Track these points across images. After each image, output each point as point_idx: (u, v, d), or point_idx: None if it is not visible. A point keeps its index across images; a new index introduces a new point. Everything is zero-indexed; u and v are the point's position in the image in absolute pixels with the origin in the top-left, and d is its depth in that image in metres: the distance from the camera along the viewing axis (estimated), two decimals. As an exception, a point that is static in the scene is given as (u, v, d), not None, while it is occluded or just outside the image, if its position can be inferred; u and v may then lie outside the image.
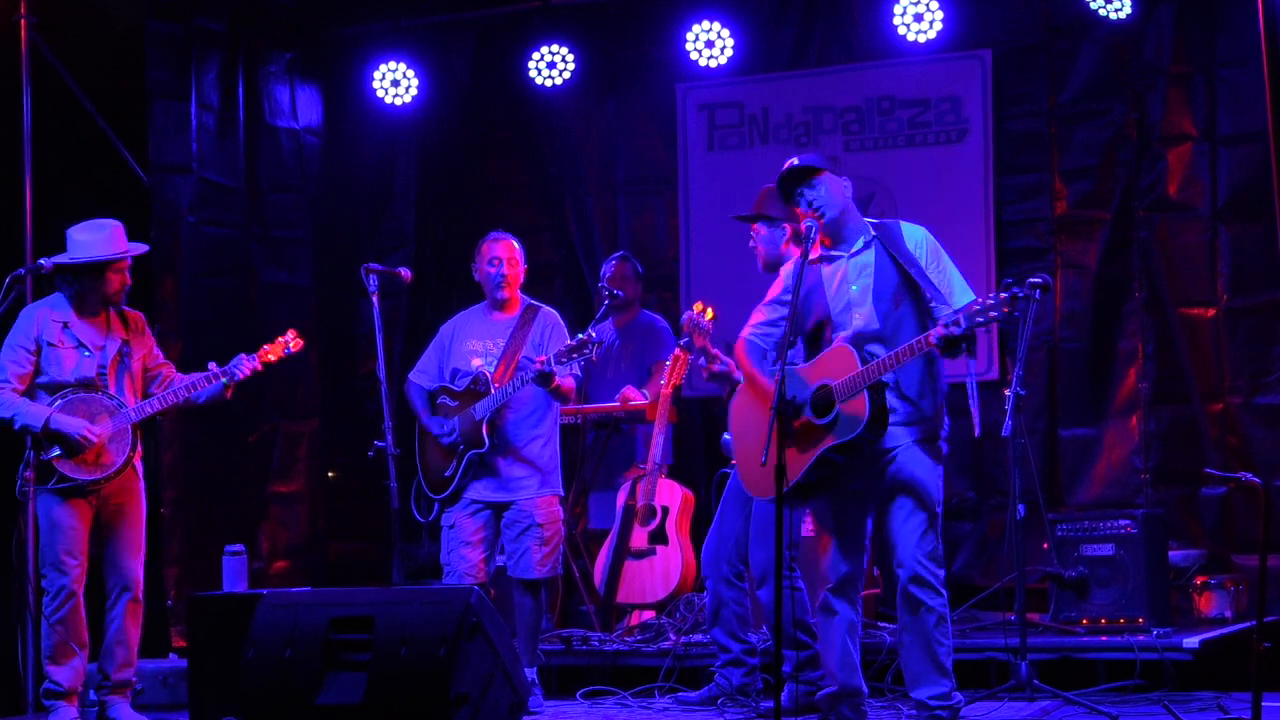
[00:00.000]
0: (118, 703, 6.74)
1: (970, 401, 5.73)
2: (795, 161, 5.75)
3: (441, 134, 9.91)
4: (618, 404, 8.23)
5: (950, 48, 8.81)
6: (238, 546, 7.78)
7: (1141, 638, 6.86)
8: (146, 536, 6.86)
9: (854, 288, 5.68)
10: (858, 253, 5.72)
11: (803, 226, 5.72)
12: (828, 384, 5.53)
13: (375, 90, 9.70)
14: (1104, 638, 7.01)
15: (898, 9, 8.74)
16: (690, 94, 9.44)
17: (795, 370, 5.64)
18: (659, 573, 7.93)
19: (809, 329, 5.75)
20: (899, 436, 5.58)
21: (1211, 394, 8.25)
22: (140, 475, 6.82)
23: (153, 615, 7.32)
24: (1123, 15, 8.34)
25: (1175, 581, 7.65)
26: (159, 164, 8.67)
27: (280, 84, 9.53)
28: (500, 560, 7.18)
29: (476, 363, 7.09)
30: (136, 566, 6.76)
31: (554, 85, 9.49)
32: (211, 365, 6.88)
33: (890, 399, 5.54)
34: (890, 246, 5.66)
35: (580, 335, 6.79)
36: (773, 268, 6.49)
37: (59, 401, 6.60)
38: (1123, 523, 7.40)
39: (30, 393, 6.65)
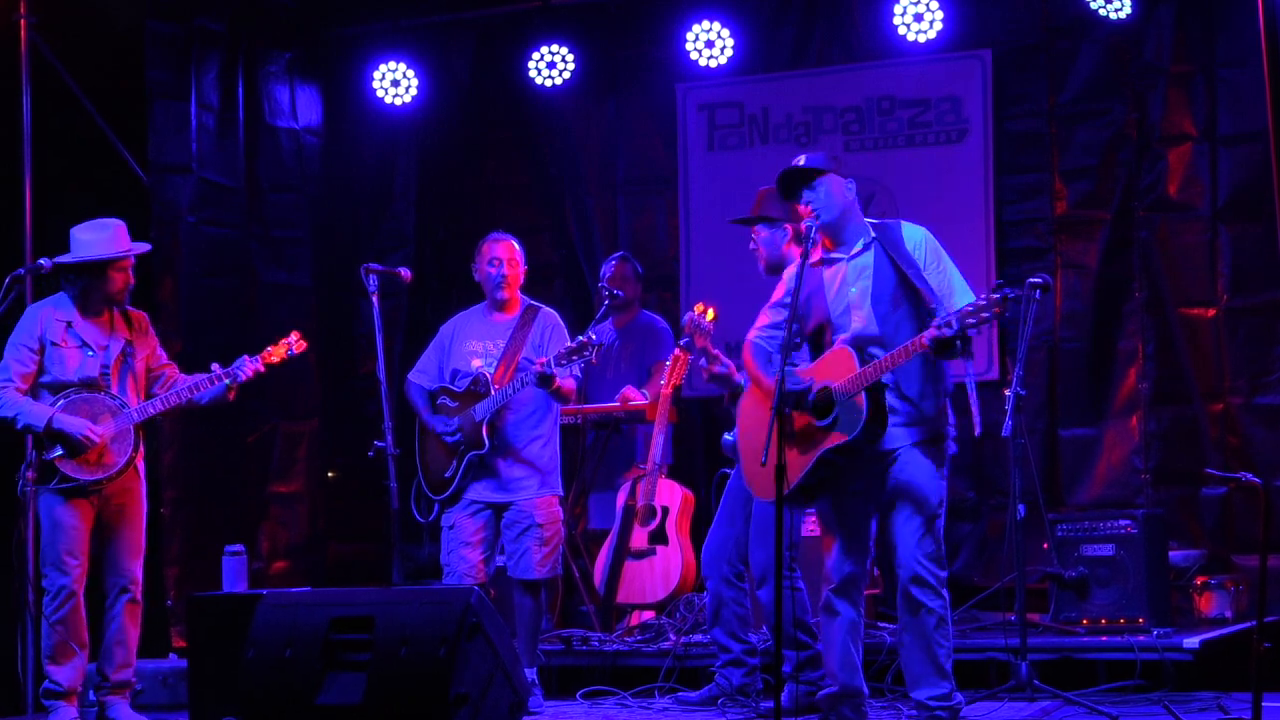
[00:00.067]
0: (117, 703, 6.74)
1: (970, 402, 5.73)
2: (801, 160, 5.74)
3: (441, 134, 9.91)
4: (618, 404, 8.23)
5: (950, 48, 8.81)
6: (237, 547, 7.78)
7: (1142, 638, 6.86)
8: (146, 536, 6.86)
9: (853, 290, 5.68)
10: (857, 255, 5.72)
11: (803, 227, 5.72)
12: (828, 386, 5.53)
13: (375, 90, 9.70)
14: (1104, 638, 7.01)
15: (898, 9, 8.74)
16: (690, 94, 9.44)
17: (796, 372, 5.63)
18: (659, 573, 7.92)
19: (811, 331, 5.75)
20: (900, 438, 5.58)
21: (1212, 394, 8.25)
22: (142, 476, 6.82)
23: (153, 615, 7.32)
24: (1123, 15, 8.34)
25: (1175, 582, 7.65)
26: (159, 164, 8.68)
27: (280, 84, 9.53)
28: (500, 561, 7.17)
29: (476, 364, 7.09)
30: (136, 567, 6.76)
31: (554, 85, 9.49)
32: (214, 366, 6.88)
33: (891, 400, 5.54)
34: (890, 248, 5.66)
35: (580, 337, 6.79)
36: (774, 269, 6.49)
37: (62, 401, 6.60)
38: (1123, 523, 7.40)
39: (33, 392, 6.65)
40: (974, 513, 8.71)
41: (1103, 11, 8.37)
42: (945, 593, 5.61)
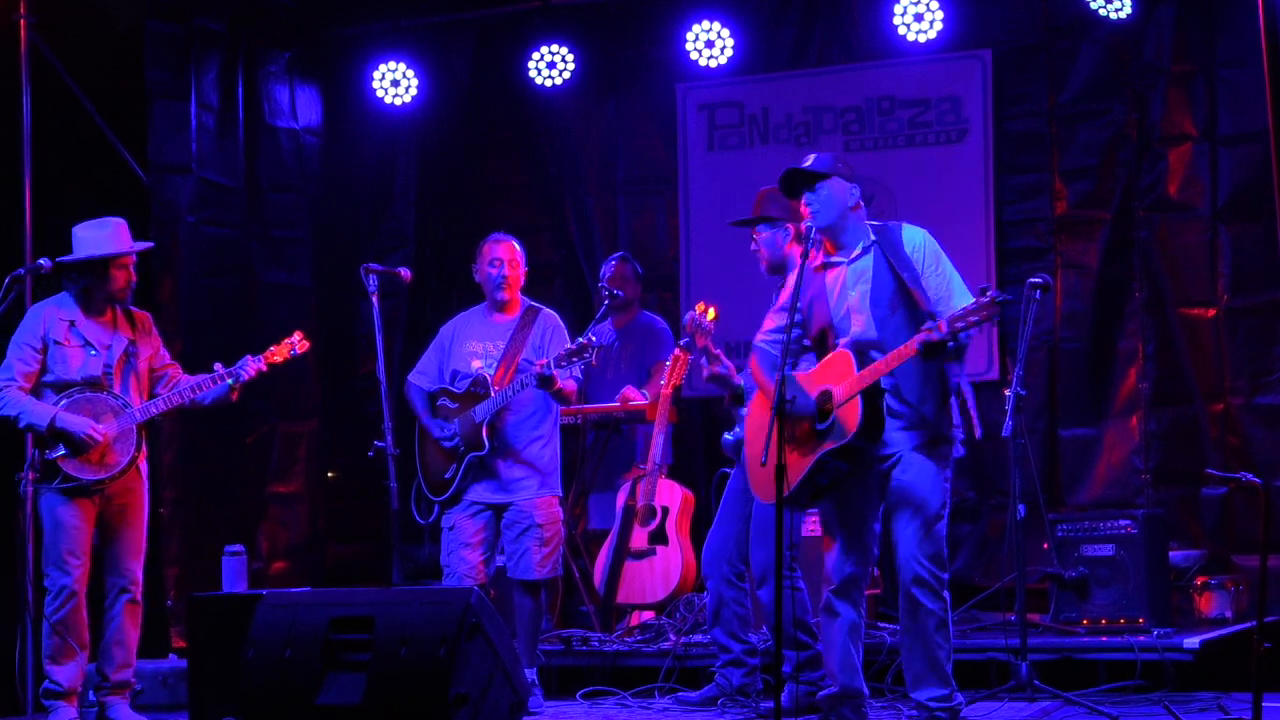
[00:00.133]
0: (117, 703, 6.74)
1: (968, 404, 5.72)
2: (808, 161, 5.73)
3: (441, 134, 9.90)
4: (618, 404, 8.23)
5: (950, 48, 8.81)
6: (237, 547, 7.78)
7: (1142, 638, 6.86)
8: (147, 537, 6.86)
9: (853, 294, 5.68)
10: (857, 258, 5.72)
11: (803, 227, 5.72)
12: (828, 389, 5.54)
13: (375, 90, 9.70)
14: (1104, 638, 7.01)
15: (898, 9, 8.74)
16: (690, 94, 9.44)
17: (798, 376, 5.64)
18: (659, 573, 7.92)
19: (815, 336, 5.75)
20: (901, 441, 5.57)
21: (1212, 394, 8.24)
22: (144, 476, 6.82)
23: (152, 615, 7.31)
24: (1123, 15, 8.34)
25: (1176, 582, 7.65)
26: (158, 164, 8.67)
27: (280, 84, 9.53)
28: (500, 561, 7.17)
29: (476, 365, 7.08)
30: (136, 567, 6.76)
31: (554, 85, 9.49)
32: (217, 366, 6.88)
33: (892, 403, 5.54)
34: (889, 251, 5.65)
35: (580, 339, 6.78)
36: (776, 270, 6.50)
37: (64, 400, 6.61)
38: (1123, 523, 7.39)
39: (36, 391, 6.65)
40: (974, 513, 8.71)
41: (1103, 11, 8.37)
42: (946, 594, 5.61)
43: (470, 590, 5.33)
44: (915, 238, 5.70)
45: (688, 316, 6.83)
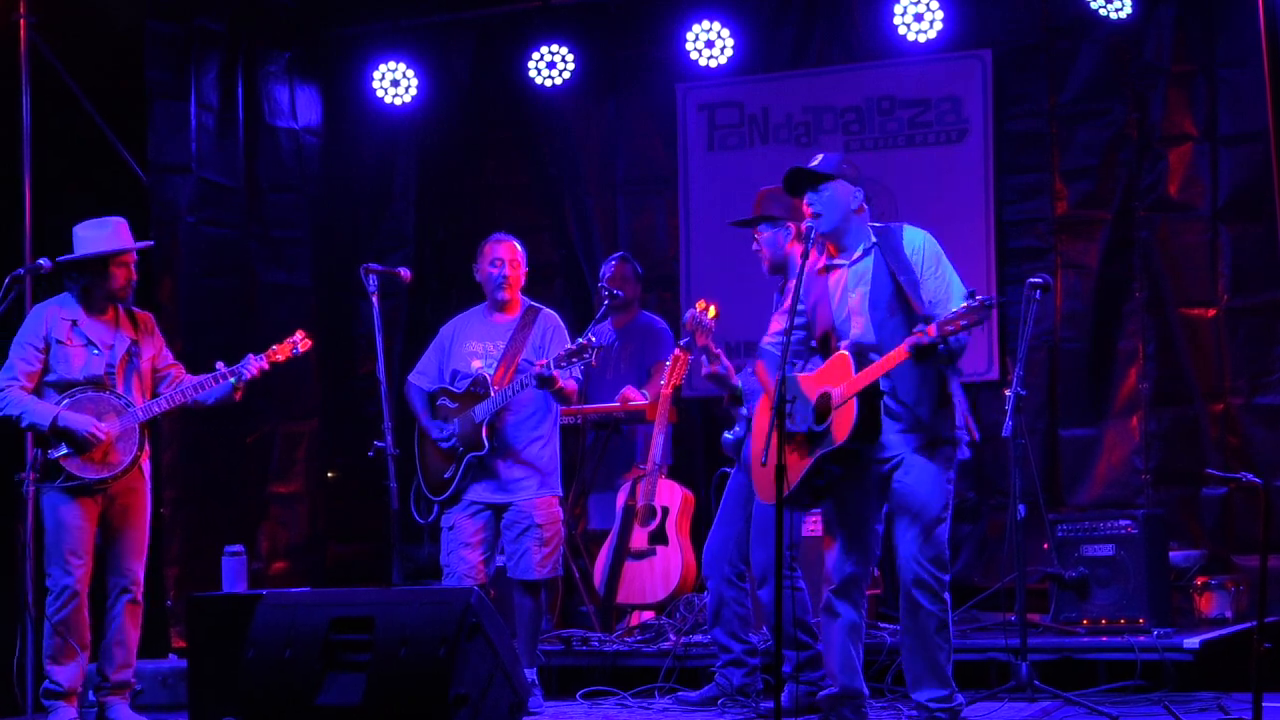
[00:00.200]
0: (117, 703, 6.74)
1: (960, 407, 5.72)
2: (815, 161, 5.73)
3: (441, 134, 9.90)
4: (617, 404, 8.23)
5: (950, 48, 8.81)
6: (237, 547, 7.78)
7: (1142, 638, 6.86)
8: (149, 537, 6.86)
9: (853, 296, 5.68)
10: (858, 260, 5.71)
11: (804, 226, 5.72)
12: (828, 391, 5.54)
13: (375, 90, 9.70)
14: (1104, 638, 7.01)
15: (898, 9, 8.73)
16: (690, 94, 9.44)
17: (800, 378, 5.64)
18: (659, 573, 7.92)
19: (820, 338, 5.75)
20: (901, 444, 5.57)
21: (1212, 394, 8.24)
22: (147, 476, 6.82)
23: (152, 615, 7.31)
24: (1123, 15, 8.34)
25: (1176, 582, 7.64)
26: (158, 164, 8.67)
27: (280, 84, 9.52)
28: (500, 561, 7.17)
29: (476, 364, 7.08)
30: (138, 567, 6.76)
31: (554, 85, 9.49)
32: (219, 365, 6.88)
33: (890, 405, 5.54)
34: (888, 254, 5.65)
35: (580, 339, 6.78)
36: (778, 269, 6.50)
37: (67, 400, 6.61)
38: (1123, 523, 7.39)
39: (39, 391, 6.66)
40: (974, 513, 8.70)
41: (1103, 11, 8.36)
42: (947, 596, 5.61)
43: (470, 590, 5.33)
44: (915, 239, 5.69)
45: (688, 314, 6.83)
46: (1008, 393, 6.34)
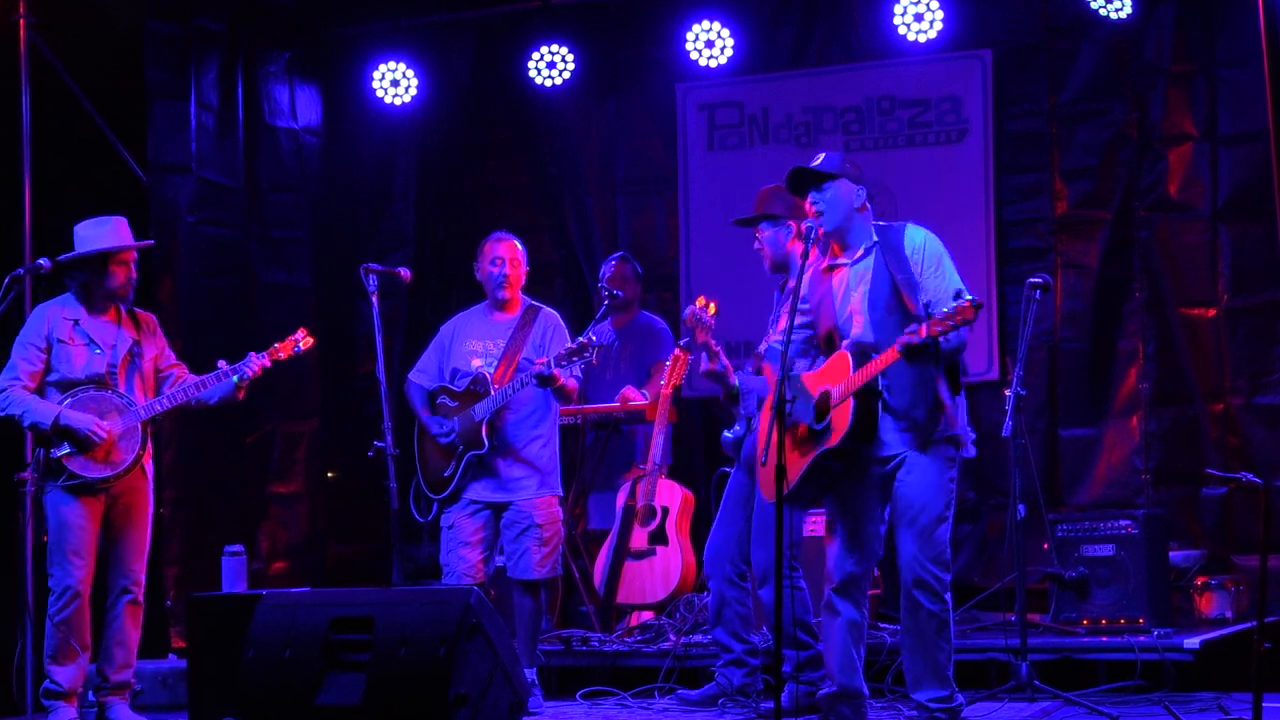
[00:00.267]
0: (116, 704, 6.74)
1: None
2: (818, 160, 5.72)
3: (441, 134, 9.90)
4: (617, 404, 8.23)
5: (950, 48, 8.81)
6: (237, 547, 7.78)
7: (1142, 638, 6.85)
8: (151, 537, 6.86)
9: (854, 295, 5.68)
10: (859, 260, 5.71)
11: (804, 226, 5.71)
12: (828, 390, 5.54)
13: (375, 90, 9.70)
14: (1104, 638, 7.00)
15: (898, 9, 8.73)
16: (690, 94, 9.44)
17: (801, 377, 5.64)
18: (659, 573, 7.92)
19: (824, 337, 5.75)
20: (900, 444, 5.57)
21: (1212, 394, 8.24)
22: (149, 476, 6.82)
23: (152, 615, 7.31)
24: (1123, 15, 8.34)
25: (1176, 582, 7.64)
26: (158, 164, 8.67)
27: (280, 84, 9.52)
28: (500, 561, 7.17)
29: (476, 363, 7.08)
30: (140, 568, 6.76)
31: (554, 85, 9.49)
32: (221, 363, 6.88)
33: (890, 404, 5.53)
34: (888, 253, 5.64)
35: (580, 338, 6.78)
36: (779, 268, 6.51)
37: (69, 399, 6.61)
38: (1123, 523, 7.39)
39: (41, 390, 6.66)
40: (974, 513, 8.70)
41: (1103, 11, 8.37)
42: (948, 596, 5.60)
43: (470, 590, 5.33)
44: (916, 238, 5.68)
45: (689, 310, 6.82)
46: (1008, 393, 6.34)
